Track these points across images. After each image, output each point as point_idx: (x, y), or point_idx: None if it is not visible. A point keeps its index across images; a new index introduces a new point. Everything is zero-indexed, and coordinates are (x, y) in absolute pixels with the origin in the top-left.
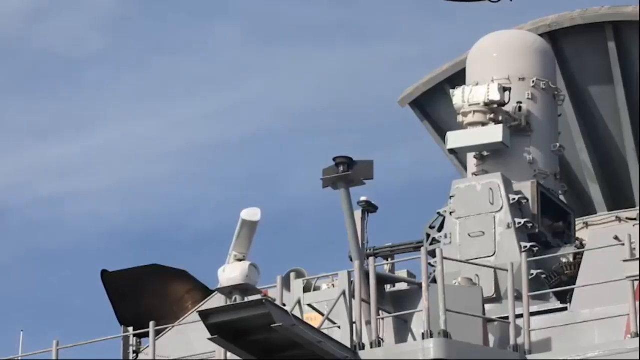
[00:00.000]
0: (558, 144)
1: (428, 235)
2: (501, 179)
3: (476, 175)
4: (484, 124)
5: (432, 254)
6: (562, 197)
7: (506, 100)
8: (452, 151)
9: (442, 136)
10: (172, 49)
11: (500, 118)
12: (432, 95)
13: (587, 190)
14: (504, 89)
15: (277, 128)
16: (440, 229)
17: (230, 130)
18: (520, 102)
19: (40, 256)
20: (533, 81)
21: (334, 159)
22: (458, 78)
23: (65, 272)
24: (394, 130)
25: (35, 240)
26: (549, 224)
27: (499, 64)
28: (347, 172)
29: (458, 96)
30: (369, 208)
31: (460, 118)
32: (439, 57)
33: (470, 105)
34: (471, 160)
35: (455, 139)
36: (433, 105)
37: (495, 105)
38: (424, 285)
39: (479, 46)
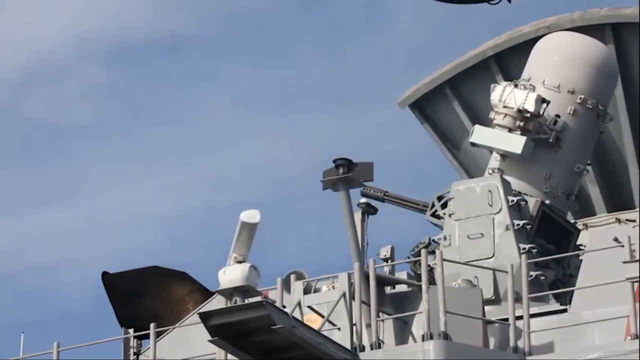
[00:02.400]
0: (582, 166)
1: (433, 204)
2: (500, 181)
3: (492, 171)
4: (510, 130)
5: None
6: (570, 216)
7: (541, 113)
8: (473, 144)
9: (442, 138)
10: (161, 117)
11: (530, 127)
12: (432, 97)
13: (586, 191)
14: (542, 101)
15: (268, 194)
16: (444, 207)
17: (220, 197)
18: (558, 116)
19: (32, 325)
20: (581, 97)
21: (334, 161)
22: (458, 80)
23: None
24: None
25: (27, 309)
26: (540, 244)
27: (555, 69)
28: (347, 173)
29: (497, 93)
30: (368, 210)
31: (492, 114)
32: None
33: (504, 106)
34: (495, 154)
35: (480, 134)
36: (433, 107)
37: (528, 115)
38: (423, 287)
39: (547, 42)
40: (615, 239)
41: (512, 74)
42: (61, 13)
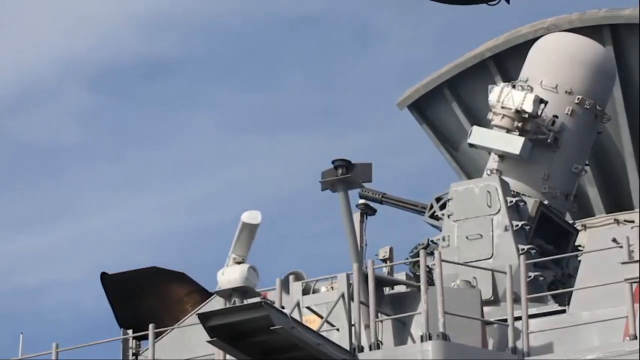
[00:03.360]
0: (581, 166)
1: (431, 206)
2: (499, 182)
3: (491, 172)
4: (509, 130)
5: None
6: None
7: (539, 114)
8: (472, 145)
9: (441, 139)
10: (148, 139)
11: (529, 128)
12: (431, 98)
13: (585, 192)
14: (540, 101)
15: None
16: (442, 208)
17: (208, 218)
18: (556, 117)
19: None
20: (579, 98)
21: (333, 162)
22: (457, 80)
23: None
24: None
25: (15, 332)
26: (539, 244)
27: (552, 70)
28: (346, 174)
29: (495, 93)
30: (367, 210)
31: (490, 115)
32: (414, 145)
33: (502, 107)
34: (493, 155)
35: (478, 135)
36: (432, 108)
37: (526, 115)
38: (422, 288)
39: (544, 42)
40: (614, 240)
41: (510, 75)
42: (49, 36)
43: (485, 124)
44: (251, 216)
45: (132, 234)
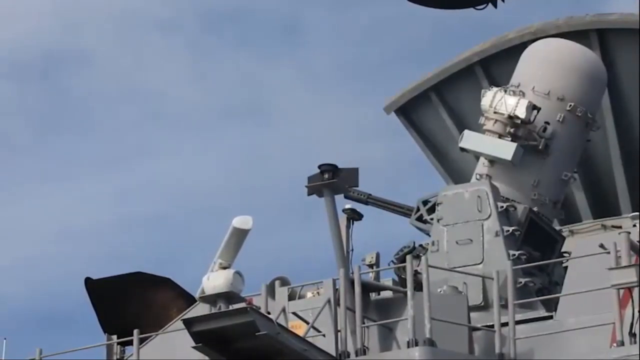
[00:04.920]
0: (570, 174)
1: (418, 209)
2: (489, 187)
3: (480, 176)
4: (501, 136)
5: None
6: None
7: (532, 120)
8: (463, 149)
9: (428, 144)
10: (77, 130)
11: (520, 134)
12: (417, 103)
13: (572, 198)
14: (533, 108)
15: (183, 207)
16: (430, 211)
17: (135, 210)
18: (548, 123)
19: None
20: (570, 105)
21: (319, 167)
22: (444, 85)
23: None
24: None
25: None
26: (527, 251)
27: (545, 75)
28: (332, 179)
29: (487, 98)
30: (353, 216)
31: (482, 119)
32: (346, 137)
33: (495, 112)
34: (482, 160)
35: (469, 139)
36: (418, 113)
37: (519, 121)
38: (409, 293)
39: (537, 48)
40: (601, 246)
41: (497, 80)
42: None
43: (471, 128)
44: (242, 221)
45: (57, 223)
